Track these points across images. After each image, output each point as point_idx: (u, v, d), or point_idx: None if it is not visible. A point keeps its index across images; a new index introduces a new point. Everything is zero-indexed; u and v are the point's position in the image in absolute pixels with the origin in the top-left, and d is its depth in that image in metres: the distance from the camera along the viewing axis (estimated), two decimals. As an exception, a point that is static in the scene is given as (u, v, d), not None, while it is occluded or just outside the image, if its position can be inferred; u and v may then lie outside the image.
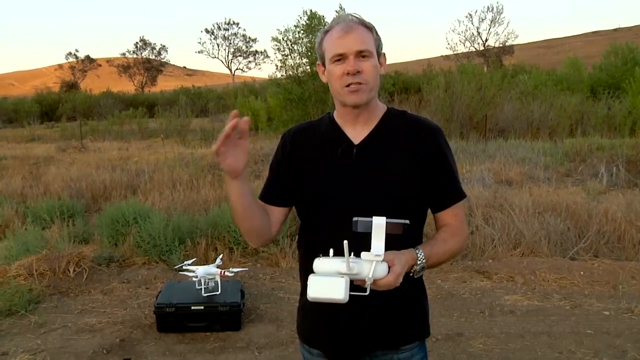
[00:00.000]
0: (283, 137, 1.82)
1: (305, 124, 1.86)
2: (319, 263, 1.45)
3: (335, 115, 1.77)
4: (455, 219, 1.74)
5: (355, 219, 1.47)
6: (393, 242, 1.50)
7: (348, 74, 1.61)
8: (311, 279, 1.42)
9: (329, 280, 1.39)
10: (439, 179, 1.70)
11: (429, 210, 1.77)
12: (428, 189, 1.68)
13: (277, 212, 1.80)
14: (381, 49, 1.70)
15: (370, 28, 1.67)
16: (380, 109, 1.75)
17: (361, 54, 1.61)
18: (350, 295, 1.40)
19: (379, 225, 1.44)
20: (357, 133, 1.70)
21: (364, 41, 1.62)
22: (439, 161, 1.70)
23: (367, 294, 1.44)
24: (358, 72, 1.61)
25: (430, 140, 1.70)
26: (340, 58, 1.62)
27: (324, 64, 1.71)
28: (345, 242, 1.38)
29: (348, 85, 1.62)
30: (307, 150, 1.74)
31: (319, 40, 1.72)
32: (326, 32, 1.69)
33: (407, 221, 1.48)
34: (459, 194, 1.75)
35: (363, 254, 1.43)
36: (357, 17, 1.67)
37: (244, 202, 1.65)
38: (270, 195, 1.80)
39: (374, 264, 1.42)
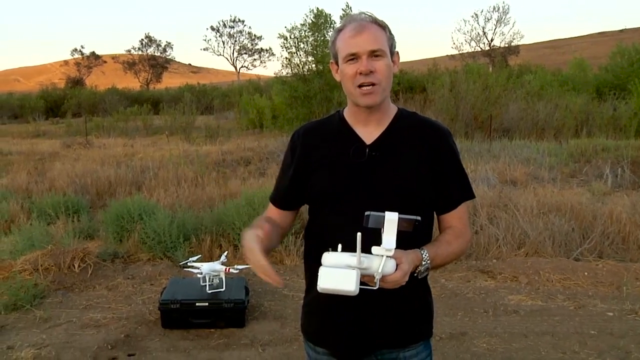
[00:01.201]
0: (292, 139, 1.80)
1: (313, 123, 1.85)
2: (328, 257, 1.45)
3: (346, 114, 1.76)
4: (460, 222, 1.74)
5: (367, 213, 1.47)
6: (402, 240, 1.50)
7: (361, 73, 1.60)
8: (322, 270, 1.42)
9: (340, 271, 1.39)
10: (448, 179, 1.71)
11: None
12: (437, 190, 1.69)
13: (291, 215, 1.83)
14: (394, 48, 1.68)
15: (383, 27, 1.65)
16: (392, 109, 1.75)
17: (374, 54, 1.60)
18: (359, 289, 1.40)
19: (391, 220, 1.44)
20: (368, 133, 1.70)
21: (376, 40, 1.61)
22: (449, 163, 1.72)
23: (375, 288, 1.45)
24: (371, 72, 1.60)
25: (440, 142, 1.71)
26: (353, 57, 1.61)
27: (337, 63, 1.70)
28: (359, 234, 1.38)
29: (360, 86, 1.62)
30: (317, 149, 1.73)
31: (332, 39, 1.71)
32: (339, 30, 1.68)
33: (419, 217, 1.48)
34: (462, 197, 1.75)
35: (374, 249, 1.43)
36: (370, 16, 1.66)
37: (268, 249, 1.64)
38: (285, 201, 1.82)
39: (384, 259, 1.42)
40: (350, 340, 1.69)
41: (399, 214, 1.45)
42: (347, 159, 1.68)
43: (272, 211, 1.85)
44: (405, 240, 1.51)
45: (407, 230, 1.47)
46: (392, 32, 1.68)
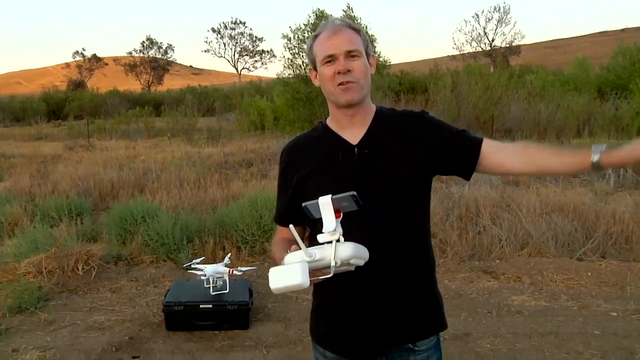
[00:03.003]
0: (281, 157, 1.83)
1: (299, 137, 1.88)
2: (286, 257, 1.43)
3: (329, 121, 1.79)
4: (502, 144, 1.71)
5: (303, 204, 1.45)
6: (402, 240, 1.58)
7: (339, 73, 1.64)
8: (270, 271, 1.39)
9: (286, 268, 1.36)
10: (455, 140, 1.70)
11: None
12: (453, 152, 1.69)
13: (302, 230, 1.82)
14: (370, 50, 1.72)
15: (357, 30, 1.70)
16: (372, 108, 1.77)
17: (350, 54, 1.65)
18: (312, 279, 1.36)
19: (325, 203, 1.41)
20: (353, 135, 1.72)
21: (352, 41, 1.66)
22: (442, 132, 1.72)
23: (330, 276, 1.39)
24: (348, 71, 1.63)
25: (422, 125, 1.73)
26: (331, 59, 1.66)
27: (315, 68, 1.74)
28: (291, 226, 1.39)
29: (340, 84, 1.65)
30: (306, 162, 1.74)
31: (308, 46, 1.76)
32: (315, 37, 1.73)
33: (354, 192, 1.41)
34: (479, 139, 1.71)
35: (319, 236, 1.40)
36: (343, 21, 1.71)
37: None
38: (290, 220, 1.74)
39: (334, 245, 1.38)
40: (362, 342, 1.69)
41: (332, 195, 1.41)
42: (337, 163, 1.69)
43: (284, 231, 1.82)
44: (406, 242, 1.61)
45: (352, 209, 1.42)
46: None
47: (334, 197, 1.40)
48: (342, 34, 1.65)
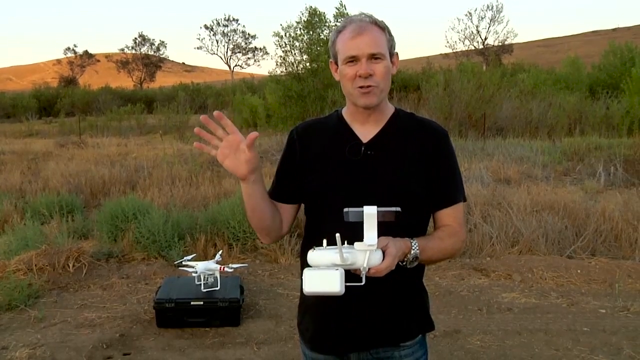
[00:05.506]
0: (291, 134, 1.81)
1: (312, 120, 1.86)
2: (313, 255, 1.45)
3: (345, 113, 1.77)
4: (455, 221, 1.74)
5: (346, 209, 1.47)
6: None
7: (360, 76, 1.61)
8: (306, 273, 1.41)
9: (324, 273, 1.38)
10: (445, 179, 1.71)
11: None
12: (432, 189, 1.70)
13: (288, 209, 1.81)
14: (393, 49, 1.69)
15: (383, 28, 1.66)
16: (390, 109, 1.76)
17: (373, 57, 1.61)
18: (346, 286, 1.39)
19: (370, 214, 1.43)
20: (366, 132, 1.71)
21: (376, 43, 1.62)
22: (445, 164, 1.72)
23: (362, 284, 1.43)
24: (370, 75, 1.61)
25: (437, 144, 1.72)
26: (353, 60, 1.62)
27: (336, 63, 1.71)
28: (337, 234, 1.37)
29: (360, 87, 1.63)
30: (315, 146, 1.74)
31: (331, 40, 1.72)
32: (339, 31, 1.68)
33: (399, 208, 1.47)
34: (458, 196, 1.75)
35: (356, 244, 1.42)
36: (370, 17, 1.66)
37: (251, 202, 1.66)
38: (281, 194, 1.80)
39: (368, 253, 1.41)
40: (345, 338, 1.70)
41: (377, 207, 1.44)
42: (343, 157, 1.68)
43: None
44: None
45: (390, 220, 1.46)
46: (392, 32, 1.69)
47: (380, 209, 1.43)
48: (367, 34, 1.61)
